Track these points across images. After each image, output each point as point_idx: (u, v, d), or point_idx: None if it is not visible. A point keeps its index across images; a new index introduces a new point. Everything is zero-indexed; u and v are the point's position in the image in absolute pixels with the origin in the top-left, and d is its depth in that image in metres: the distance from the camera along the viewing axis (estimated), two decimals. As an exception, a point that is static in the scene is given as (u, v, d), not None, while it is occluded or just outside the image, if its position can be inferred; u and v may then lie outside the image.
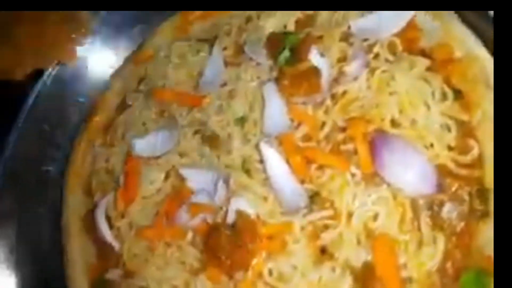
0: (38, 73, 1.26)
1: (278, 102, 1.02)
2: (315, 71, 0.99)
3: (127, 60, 1.35)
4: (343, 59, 1.01)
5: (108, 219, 1.14)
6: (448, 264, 0.81)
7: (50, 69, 1.28)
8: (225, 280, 0.93)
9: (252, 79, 1.11)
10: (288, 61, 1.05)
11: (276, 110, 1.02)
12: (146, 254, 1.06)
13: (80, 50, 1.29)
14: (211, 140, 1.09)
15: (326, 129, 0.96)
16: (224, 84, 1.14)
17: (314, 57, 0.99)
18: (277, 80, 1.03)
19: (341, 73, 0.98)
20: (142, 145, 1.15)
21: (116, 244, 1.11)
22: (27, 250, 1.16)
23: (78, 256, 1.16)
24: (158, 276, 1.02)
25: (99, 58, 1.35)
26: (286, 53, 1.06)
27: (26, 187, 1.22)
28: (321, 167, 0.92)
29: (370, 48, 1.00)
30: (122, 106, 1.30)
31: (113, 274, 1.09)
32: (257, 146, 1.03)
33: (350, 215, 0.88)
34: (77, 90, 1.33)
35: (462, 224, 0.83)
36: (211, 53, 1.20)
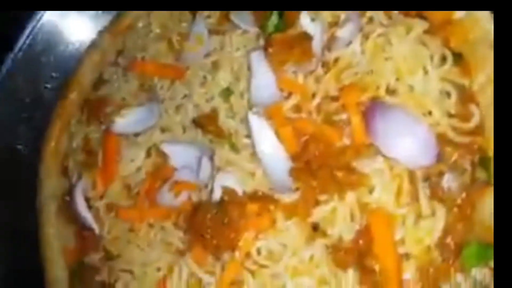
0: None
1: (267, 72, 0.95)
2: (305, 37, 0.92)
3: (104, 31, 1.25)
4: (334, 24, 0.94)
5: (87, 200, 1.08)
6: (449, 239, 0.77)
7: (21, 41, 1.19)
8: (211, 261, 0.88)
9: (238, 48, 1.05)
10: (277, 27, 0.98)
11: (264, 80, 0.95)
12: (128, 236, 1.01)
13: (53, 20, 1.20)
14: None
15: (318, 98, 0.90)
16: (208, 55, 1.08)
17: (305, 22, 0.92)
18: (265, 48, 0.96)
19: (333, 38, 0.92)
20: (122, 122, 1.09)
21: (95, 226, 1.04)
22: (1, 234, 1.10)
23: (55, 239, 1.10)
24: (141, 259, 0.97)
25: (73, 29, 1.26)
26: (274, 19, 0.99)
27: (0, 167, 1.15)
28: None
29: (363, 12, 0.93)
30: (99, 82, 1.22)
31: (93, 258, 1.03)
32: (243, 120, 0.97)
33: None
34: (50, 64, 1.24)
35: (463, 195, 0.78)
36: (193, 22, 1.13)
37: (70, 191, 1.12)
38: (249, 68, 0.98)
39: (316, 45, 0.91)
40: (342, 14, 0.95)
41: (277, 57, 0.94)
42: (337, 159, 0.82)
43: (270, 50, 0.94)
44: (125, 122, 1.08)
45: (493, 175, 0.77)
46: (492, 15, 0.81)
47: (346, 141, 0.85)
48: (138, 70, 1.15)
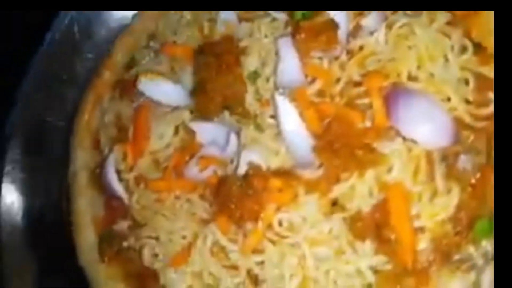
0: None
1: (293, 57, 0.99)
2: (332, 25, 0.97)
3: (138, 16, 1.32)
4: (359, 13, 0.99)
5: (117, 172, 1.14)
6: (462, 213, 0.81)
7: (58, 21, 1.26)
8: (234, 229, 0.93)
9: (266, 35, 1.10)
10: (305, 15, 1.03)
11: (290, 65, 1.00)
12: (155, 206, 1.06)
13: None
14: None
15: (341, 84, 0.95)
16: (237, 41, 1.13)
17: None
18: (293, 35, 1.01)
19: (358, 27, 0.97)
20: (150, 85, 1.14)
21: (125, 197, 1.11)
22: (36, 198, 1.17)
23: (86, 208, 1.16)
24: (167, 227, 1.03)
25: (110, 12, 1.32)
26: None
27: (34, 138, 1.22)
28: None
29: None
30: (132, 63, 1.28)
31: (121, 226, 1.10)
32: (268, 102, 1.02)
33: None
34: (86, 45, 1.31)
35: (478, 175, 0.82)
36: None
37: (101, 164, 1.18)
38: (276, 53, 1.03)
39: (342, 32, 0.96)
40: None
41: (304, 43, 0.98)
42: (358, 139, 0.87)
43: (298, 36, 0.99)
44: (157, 91, 1.13)
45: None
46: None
47: (368, 123, 0.90)
48: (169, 52, 1.21)
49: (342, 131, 0.90)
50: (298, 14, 1.04)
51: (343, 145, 0.88)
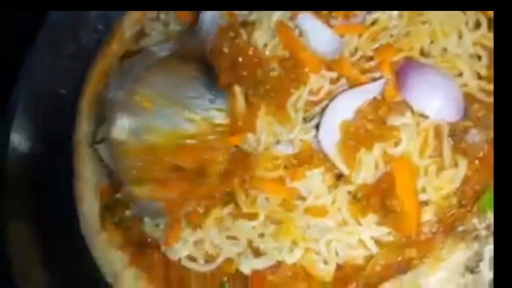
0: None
1: (320, 27, 0.94)
2: None
3: (148, -12, 1.31)
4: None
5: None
6: (468, 187, 0.81)
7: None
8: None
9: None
10: None
11: (322, 35, 0.94)
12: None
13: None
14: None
15: (358, 55, 0.92)
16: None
17: None
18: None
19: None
20: None
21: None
22: (40, 170, 1.17)
23: (89, 176, 1.16)
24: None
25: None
26: None
27: (43, 111, 1.22)
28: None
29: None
30: (140, 34, 1.28)
31: (124, 195, 1.09)
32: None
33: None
34: (94, 14, 1.30)
35: (486, 147, 0.81)
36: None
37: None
38: (301, 34, 0.97)
39: None
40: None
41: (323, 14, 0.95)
42: (370, 113, 0.86)
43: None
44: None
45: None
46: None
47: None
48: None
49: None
50: None
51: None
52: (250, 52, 0.98)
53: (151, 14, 1.29)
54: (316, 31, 0.95)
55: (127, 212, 1.07)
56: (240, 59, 0.98)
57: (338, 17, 0.96)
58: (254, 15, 1.05)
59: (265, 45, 0.98)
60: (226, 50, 1.00)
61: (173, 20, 1.23)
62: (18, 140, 1.17)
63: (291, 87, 0.92)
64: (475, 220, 0.78)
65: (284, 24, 0.98)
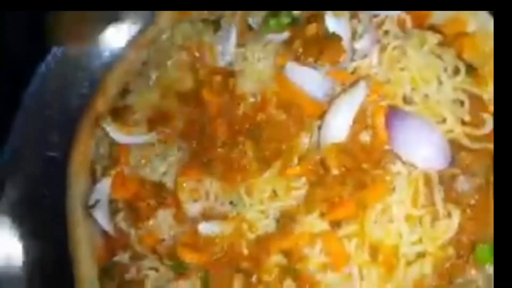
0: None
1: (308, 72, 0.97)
2: (335, 37, 0.97)
3: (129, 44, 1.32)
4: (353, 37, 1.00)
5: (111, 202, 1.12)
6: (463, 237, 0.82)
7: (54, 50, 1.26)
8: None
9: (259, 59, 1.10)
10: (294, 20, 1.03)
11: (313, 82, 0.97)
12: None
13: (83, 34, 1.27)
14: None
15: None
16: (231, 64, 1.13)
17: (331, 23, 0.98)
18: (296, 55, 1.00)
19: (352, 50, 0.97)
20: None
21: (116, 235, 1.10)
22: (33, 235, 1.15)
23: (84, 239, 1.15)
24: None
25: (102, 42, 1.32)
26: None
27: (32, 172, 1.21)
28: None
29: (379, 25, 0.99)
30: (125, 91, 1.28)
31: (122, 257, 1.09)
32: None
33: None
34: (79, 74, 1.31)
35: (477, 196, 0.83)
36: (216, 32, 1.18)
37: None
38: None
39: (347, 41, 0.96)
40: (359, 27, 1.01)
41: (309, 57, 0.98)
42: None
43: (300, 52, 0.98)
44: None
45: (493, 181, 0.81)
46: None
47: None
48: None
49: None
50: (285, 19, 1.05)
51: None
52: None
53: (135, 69, 1.30)
54: (306, 77, 0.98)
55: (127, 276, 1.06)
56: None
57: (325, 64, 0.98)
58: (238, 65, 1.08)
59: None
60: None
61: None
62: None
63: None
64: (473, 272, 0.78)
65: (280, 71, 1.00)
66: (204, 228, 0.95)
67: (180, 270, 0.95)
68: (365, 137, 0.89)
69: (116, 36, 1.32)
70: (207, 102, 1.09)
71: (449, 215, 0.83)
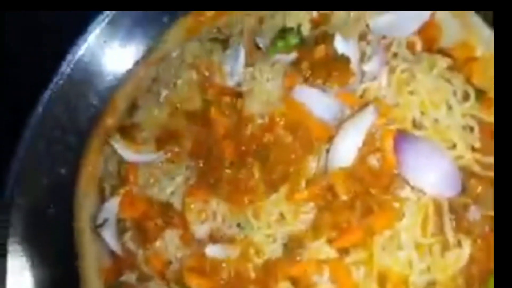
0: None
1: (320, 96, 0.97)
2: (343, 59, 0.97)
3: (139, 62, 1.33)
4: (361, 59, 0.99)
5: (119, 221, 1.12)
6: (474, 267, 0.80)
7: (62, 69, 1.27)
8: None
9: (268, 79, 1.10)
10: (302, 41, 1.04)
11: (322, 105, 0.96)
12: (163, 257, 1.05)
13: (93, 50, 1.28)
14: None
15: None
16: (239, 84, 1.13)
17: (340, 45, 0.97)
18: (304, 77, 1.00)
19: (361, 72, 0.97)
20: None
21: (123, 255, 1.10)
22: (41, 254, 1.16)
23: (92, 259, 1.15)
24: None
25: (110, 59, 1.34)
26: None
27: (39, 190, 1.21)
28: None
29: (388, 47, 0.99)
30: (133, 108, 1.29)
31: (129, 278, 1.09)
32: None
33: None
34: (88, 91, 1.32)
35: (487, 227, 0.81)
36: (224, 51, 1.19)
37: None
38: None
39: (355, 63, 0.96)
40: (368, 49, 1.00)
41: (317, 78, 0.98)
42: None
43: (309, 74, 0.99)
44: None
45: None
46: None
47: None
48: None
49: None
50: (293, 40, 1.05)
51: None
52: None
53: (144, 86, 1.31)
54: (315, 99, 0.97)
55: (133, 296, 1.06)
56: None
57: (333, 86, 0.97)
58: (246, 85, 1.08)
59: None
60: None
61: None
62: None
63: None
64: (486, 304, 0.77)
65: (288, 92, 1.00)
66: (211, 251, 0.95)
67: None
68: (373, 161, 0.88)
69: (125, 53, 1.34)
70: (215, 122, 1.09)
71: (459, 244, 0.82)
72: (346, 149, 0.89)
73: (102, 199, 1.21)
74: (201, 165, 1.07)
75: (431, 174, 0.84)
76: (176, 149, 1.14)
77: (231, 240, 0.95)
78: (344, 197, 0.85)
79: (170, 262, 1.01)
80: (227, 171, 1.01)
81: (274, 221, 0.92)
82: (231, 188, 0.99)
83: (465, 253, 0.81)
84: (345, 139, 0.90)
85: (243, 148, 1.02)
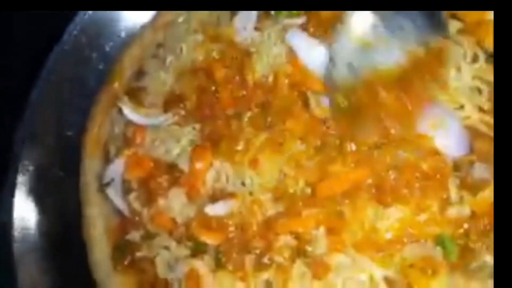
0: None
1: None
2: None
3: (146, 26, 1.33)
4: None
5: (124, 182, 1.13)
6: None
7: (67, 33, 1.27)
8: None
9: (275, 43, 1.10)
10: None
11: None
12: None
13: (99, 13, 1.28)
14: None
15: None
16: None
17: None
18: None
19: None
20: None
21: (129, 215, 1.11)
22: (50, 213, 1.17)
23: (98, 218, 1.16)
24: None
25: (117, 23, 1.33)
26: None
27: (46, 150, 1.22)
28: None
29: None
30: (140, 73, 1.29)
31: (134, 236, 1.10)
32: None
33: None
34: (95, 54, 1.31)
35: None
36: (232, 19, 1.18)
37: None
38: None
39: None
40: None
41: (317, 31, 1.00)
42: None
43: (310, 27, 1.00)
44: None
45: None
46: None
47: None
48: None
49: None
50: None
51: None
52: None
53: (151, 51, 1.30)
54: (305, 45, 0.98)
55: (138, 254, 1.08)
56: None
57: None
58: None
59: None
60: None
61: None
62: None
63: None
64: (487, 257, 0.78)
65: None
66: (211, 210, 0.96)
67: (200, 250, 0.96)
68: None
69: (133, 16, 1.33)
70: (216, 75, 1.10)
71: (461, 201, 0.83)
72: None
73: (108, 161, 1.21)
74: (205, 126, 1.08)
75: (439, 134, 0.84)
76: (182, 112, 1.14)
77: (232, 196, 0.96)
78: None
79: (175, 221, 1.02)
80: (228, 124, 1.03)
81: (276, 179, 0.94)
82: (230, 143, 1.00)
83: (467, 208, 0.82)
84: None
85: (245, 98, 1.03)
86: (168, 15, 1.31)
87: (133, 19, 1.33)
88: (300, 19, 1.07)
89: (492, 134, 0.85)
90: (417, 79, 0.85)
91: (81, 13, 1.29)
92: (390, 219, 0.82)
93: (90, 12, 1.30)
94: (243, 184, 0.98)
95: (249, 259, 0.88)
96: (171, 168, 1.08)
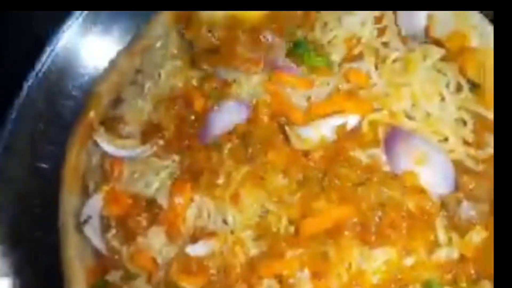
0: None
1: None
2: None
3: (123, 51, 1.28)
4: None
5: (102, 218, 1.09)
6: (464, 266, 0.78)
7: (41, 61, 1.22)
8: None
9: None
10: None
11: None
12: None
13: (74, 40, 1.23)
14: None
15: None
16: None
17: None
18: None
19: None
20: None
21: (107, 254, 1.07)
22: (23, 252, 1.12)
23: (76, 257, 1.12)
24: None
25: (93, 49, 1.29)
26: None
27: (21, 185, 1.18)
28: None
29: (379, 34, 0.95)
30: (117, 100, 1.25)
31: (114, 276, 1.06)
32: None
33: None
34: (70, 83, 1.27)
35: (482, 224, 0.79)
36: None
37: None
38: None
39: None
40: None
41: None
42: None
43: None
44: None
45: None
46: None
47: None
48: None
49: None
50: None
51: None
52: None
53: (128, 77, 1.26)
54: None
55: (119, 295, 1.04)
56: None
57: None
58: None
59: None
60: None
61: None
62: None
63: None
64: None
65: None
66: (193, 250, 0.92)
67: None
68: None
69: (108, 43, 1.29)
70: (195, 104, 1.06)
71: (450, 242, 0.79)
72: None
73: (86, 195, 1.17)
74: (184, 158, 1.04)
75: (424, 170, 0.81)
76: (161, 142, 1.10)
77: (212, 235, 0.92)
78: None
79: (155, 261, 0.98)
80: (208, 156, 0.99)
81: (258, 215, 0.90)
82: (209, 176, 0.97)
83: (455, 251, 0.79)
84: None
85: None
86: (145, 40, 1.27)
87: (108, 45, 1.29)
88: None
89: (477, 168, 0.82)
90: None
91: (56, 39, 1.25)
92: (377, 261, 0.79)
93: (64, 39, 1.26)
94: (224, 222, 0.94)
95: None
96: (150, 204, 1.04)
